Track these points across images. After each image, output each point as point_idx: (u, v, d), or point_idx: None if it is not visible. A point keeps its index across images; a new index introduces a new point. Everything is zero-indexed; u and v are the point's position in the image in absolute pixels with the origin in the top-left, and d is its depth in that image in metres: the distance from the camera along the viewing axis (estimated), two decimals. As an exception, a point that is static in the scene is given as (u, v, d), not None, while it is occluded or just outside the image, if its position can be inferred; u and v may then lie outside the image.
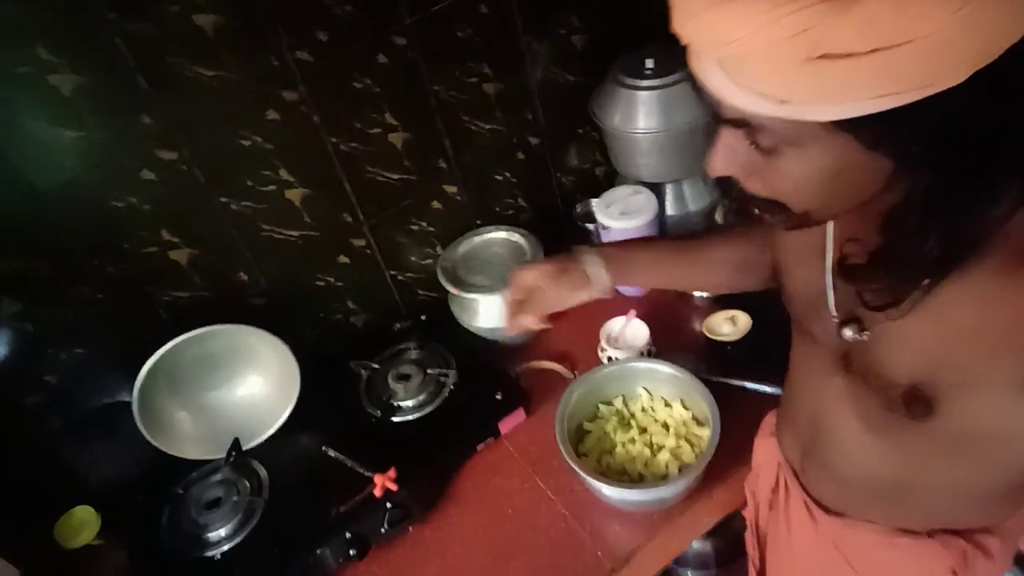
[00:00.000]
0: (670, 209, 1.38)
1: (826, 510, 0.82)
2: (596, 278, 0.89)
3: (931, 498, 0.72)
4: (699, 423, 1.07)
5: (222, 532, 1.01)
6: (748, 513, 1.00)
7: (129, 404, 1.02)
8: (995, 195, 0.49)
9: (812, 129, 0.46)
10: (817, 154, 0.49)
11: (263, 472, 1.09)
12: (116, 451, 1.09)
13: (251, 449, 1.12)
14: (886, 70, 0.41)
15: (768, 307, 0.86)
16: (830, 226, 0.65)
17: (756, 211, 0.58)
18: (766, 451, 0.94)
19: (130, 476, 1.11)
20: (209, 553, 1.00)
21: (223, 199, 1.09)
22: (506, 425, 1.15)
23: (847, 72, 0.41)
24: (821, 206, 0.55)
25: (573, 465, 0.97)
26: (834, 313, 0.66)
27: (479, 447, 1.14)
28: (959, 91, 0.41)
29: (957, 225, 0.50)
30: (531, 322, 0.90)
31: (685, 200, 1.37)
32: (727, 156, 0.54)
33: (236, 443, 1.08)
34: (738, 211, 0.59)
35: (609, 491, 0.97)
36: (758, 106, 0.46)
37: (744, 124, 0.50)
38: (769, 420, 0.98)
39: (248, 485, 1.06)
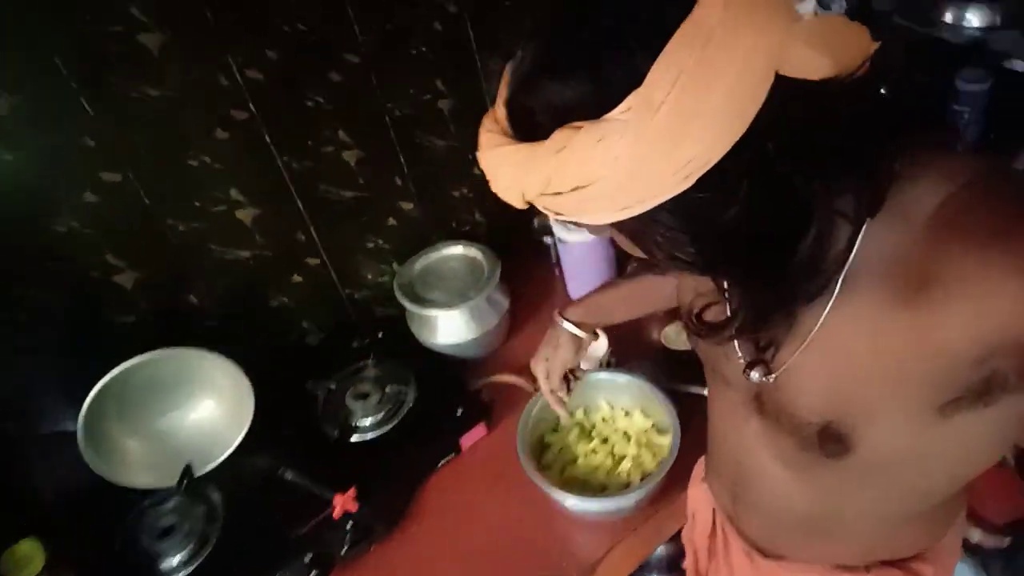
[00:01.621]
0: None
1: (764, 553, 0.81)
2: (582, 334, 1.00)
3: (861, 529, 0.72)
4: (659, 431, 1.08)
5: (174, 561, 0.98)
6: (688, 564, 0.99)
7: (75, 433, 0.98)
8: (828, 225, 0.49)
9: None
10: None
11: (217, 497, 1.06)
12: (63, 481, 1.05)
13: (205, 474, 1.08)
14: (597, 198, 0.44)
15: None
16: None
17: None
18: (699, 498, 0.93)
19: (78, 506, 1.06)
20: (162, 584, 0.97)
21: (170, 221, 1.06)
22: (468, 440, 1.14)
23: (571, 200, 0.45)
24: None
25: (535, 478, 0.97)
26: (739, 354, 0.65)
27: (441, 463, 1.13)
28: (717, 188, 0.43)
29: (793, 270, 0.50)
30: (563, 391, 1.03)
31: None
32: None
33: (188, 469, 1.05)
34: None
35: (572, 502, 0.97)
36: (552, 215, 0.50)
37: None
38: (699, 468, 0.97)
39: (202, 511, 1.03)
